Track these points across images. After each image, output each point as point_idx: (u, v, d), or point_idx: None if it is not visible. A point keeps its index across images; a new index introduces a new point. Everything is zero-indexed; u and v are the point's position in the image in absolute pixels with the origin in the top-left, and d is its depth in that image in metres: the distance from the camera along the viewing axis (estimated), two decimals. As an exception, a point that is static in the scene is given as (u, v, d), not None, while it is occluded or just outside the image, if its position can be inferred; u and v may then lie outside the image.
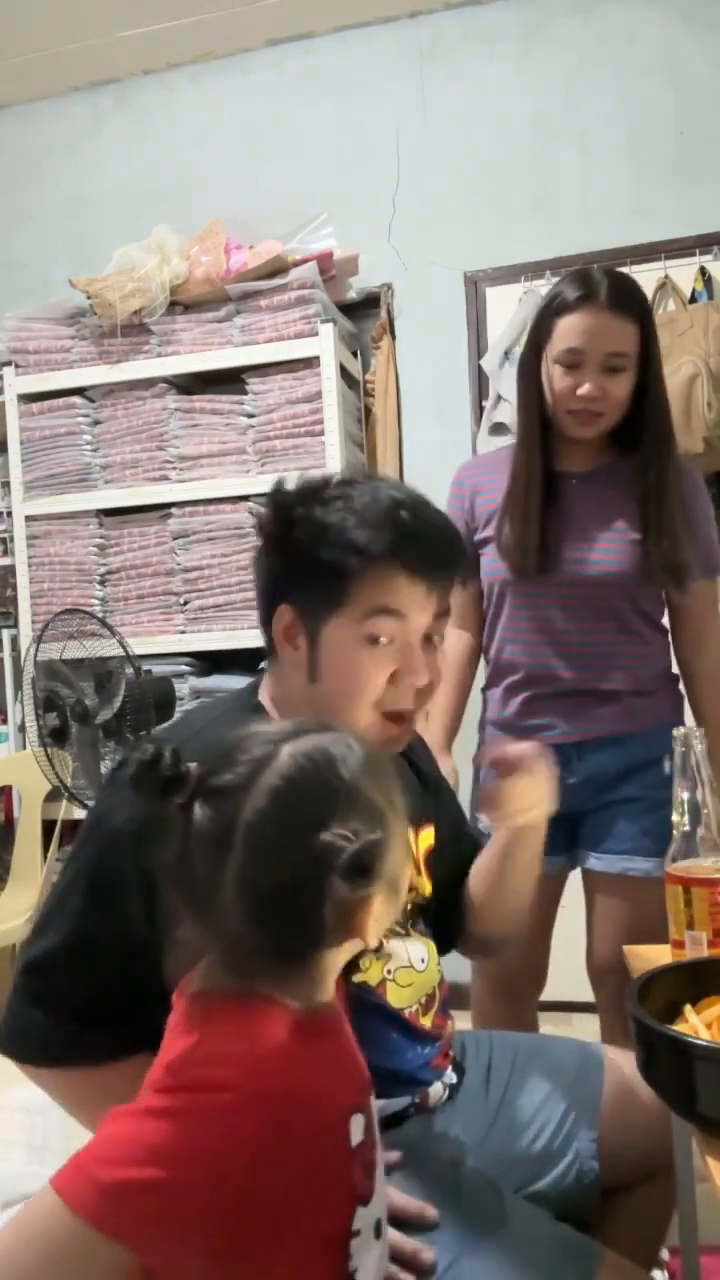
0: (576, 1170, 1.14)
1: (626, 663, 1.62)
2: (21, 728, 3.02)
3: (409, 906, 1.15)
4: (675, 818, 1.12)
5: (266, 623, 1.08)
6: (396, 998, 1.10)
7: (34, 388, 2.90)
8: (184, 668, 2.83)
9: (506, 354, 2.76)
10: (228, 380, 2.81)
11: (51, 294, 3.07)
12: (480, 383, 2.90)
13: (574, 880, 1.74)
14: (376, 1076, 1.05)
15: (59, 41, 3.03)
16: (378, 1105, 1.05)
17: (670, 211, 2.75)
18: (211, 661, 2.85)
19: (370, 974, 1.09)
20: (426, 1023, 1.13)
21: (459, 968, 1.52)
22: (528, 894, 1.23)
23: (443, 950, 1.22)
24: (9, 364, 2.93)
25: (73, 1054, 0.98)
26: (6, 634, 3.15)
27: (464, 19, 2.93)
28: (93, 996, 0.97)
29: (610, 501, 1.62)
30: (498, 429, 2.77)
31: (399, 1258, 0.90)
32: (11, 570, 2.98)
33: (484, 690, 1.77)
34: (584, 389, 1.55)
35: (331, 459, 2.66)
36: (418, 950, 1.15)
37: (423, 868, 1.18)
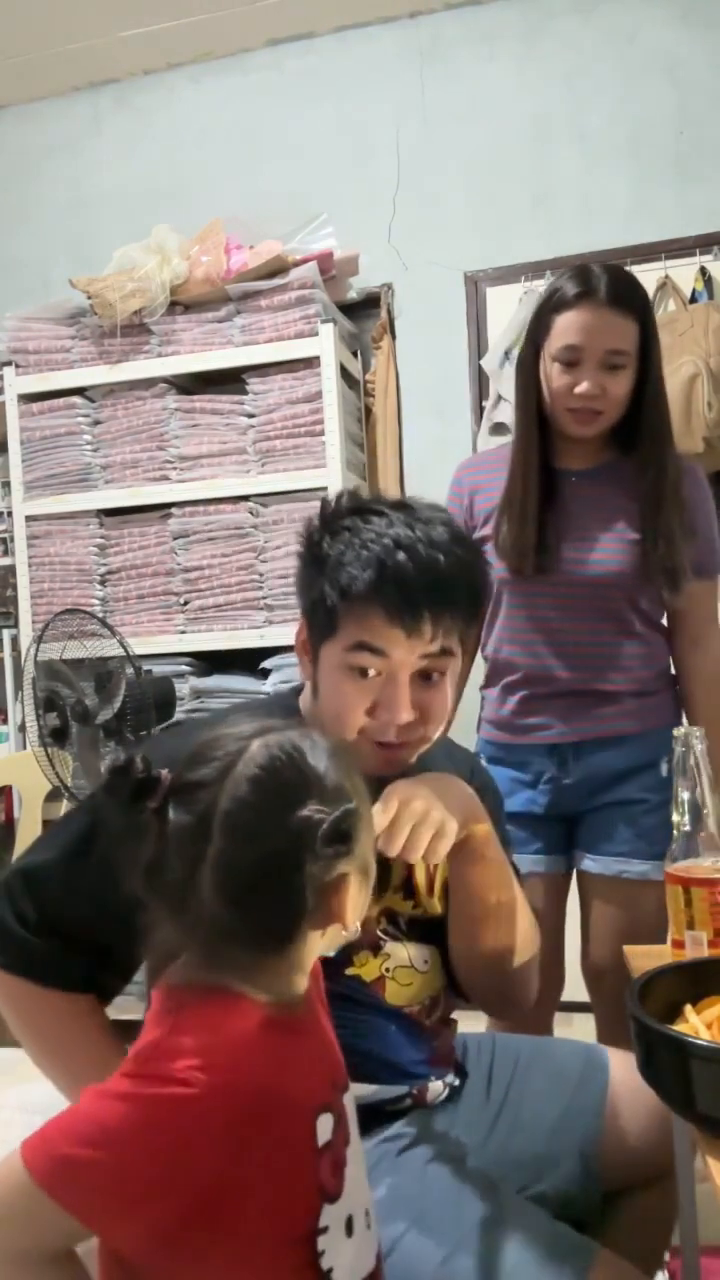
0: (578, 1172, 1.14)
1: (625, 663, 1.61)
2: (21, 728, 3.02)
3: (409, 916, 1.15)
4: (675, 817, 1.12)
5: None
6: (395, 995, 1.11)
7: (34, 388, 2.90)
8: (184, 668, 2.83)
9: (506, 354, 2.76)
10: (228, 380, 2.81)
11: (51, 294, 3.07)
12: (480, 383, 2.90)
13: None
14: (373, 1064, 1.06)
15: (59, 41, 3.03)
16: (372, 1090, 1.06)
17: (670, 211, 2.75)
18: (211, 661, 2.85)
19: (366, 970, 1.09)
20: (427, 1022, 1.14)
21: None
22: (499, 934, 1.13)
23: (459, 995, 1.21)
24: (9, 364, 2.93)
25: (29, 963, 1.03)
26: (6, 634, 3.14)
27: (464, 19, 2.93)
28: (68, 918, 1.02)
29: (609, 501, 1.61)
30: (498, 429, 2.77)
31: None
32: (11, 570, 2.98)
33: (481, 689, 1.77)
34: (583, 387, 1.53)
35: (331, 459, 2.65)
36: (421, 953, 1.15)
37: (437, 891, 1.16)
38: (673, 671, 1.70)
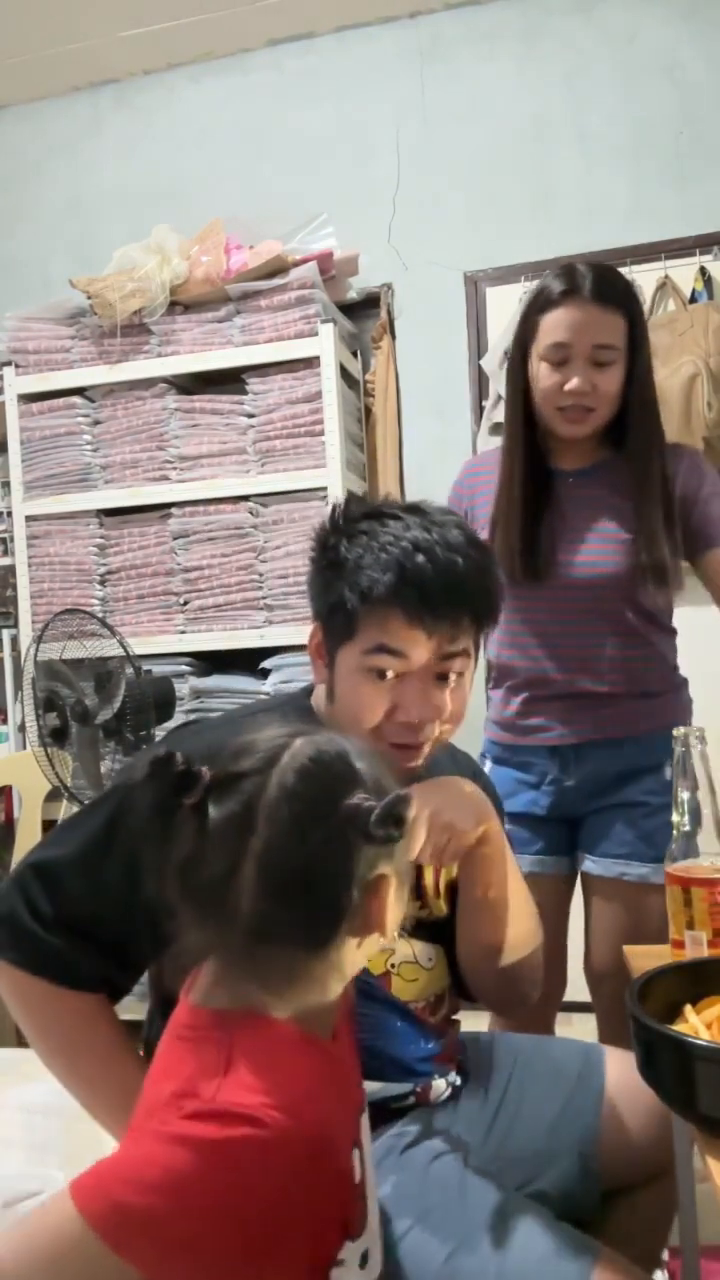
0: (577, 1171, 1.14)
1: (624, 665, 1.59)
2: (21, 728, 3.02)
3: (418, 919, 1.15)
4: (675, 817, 1.12)
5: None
6: (401, 991, 1.11)
7: (34, 388, 2.90)
8: (184, 668, 2.83)
9: (506, 354, 2.76)
10: (228, 380, 2.80)
11: (51, 294, 3.06)
12: (480, 383, 2.90)
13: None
14: (379, 1061, 1.06)
15: (59, 41, 3.03)
16: (377, 1088, 1.06)
17: (670, 211, 2.75)
18: (211, 661, 2.85)
19: (373, 965, 1.09)
20: (432, 1020, 1.14)
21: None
22: (502, 932, 1.15)
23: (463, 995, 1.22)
24: (9, 364, 2.93)
25: (42, 960, 1.01)
26: (6, 634, 3.14)
27: (464, 19, 2.93)
28: (85, 915, 1.00)
29: (603, 500, 1.59)
30: (498, 429, 2.76)
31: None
32: (11, 570, 2.98)
33: (488, 689, 1.76)
34: (573, 383, 1.51)
35: (331, 459, 2.65)
36: (426, 950, 1.15)
37: (443, 893, 1.17)
38: (682, 673, 1.67)
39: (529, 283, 2.80)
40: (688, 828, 1.11)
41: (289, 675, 2.65)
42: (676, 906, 1.09)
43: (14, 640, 3.07)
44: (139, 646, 2.70)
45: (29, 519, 2.92)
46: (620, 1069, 1.19)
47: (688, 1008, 0.91)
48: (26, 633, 2.89)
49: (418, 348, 2.98)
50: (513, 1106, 1.19)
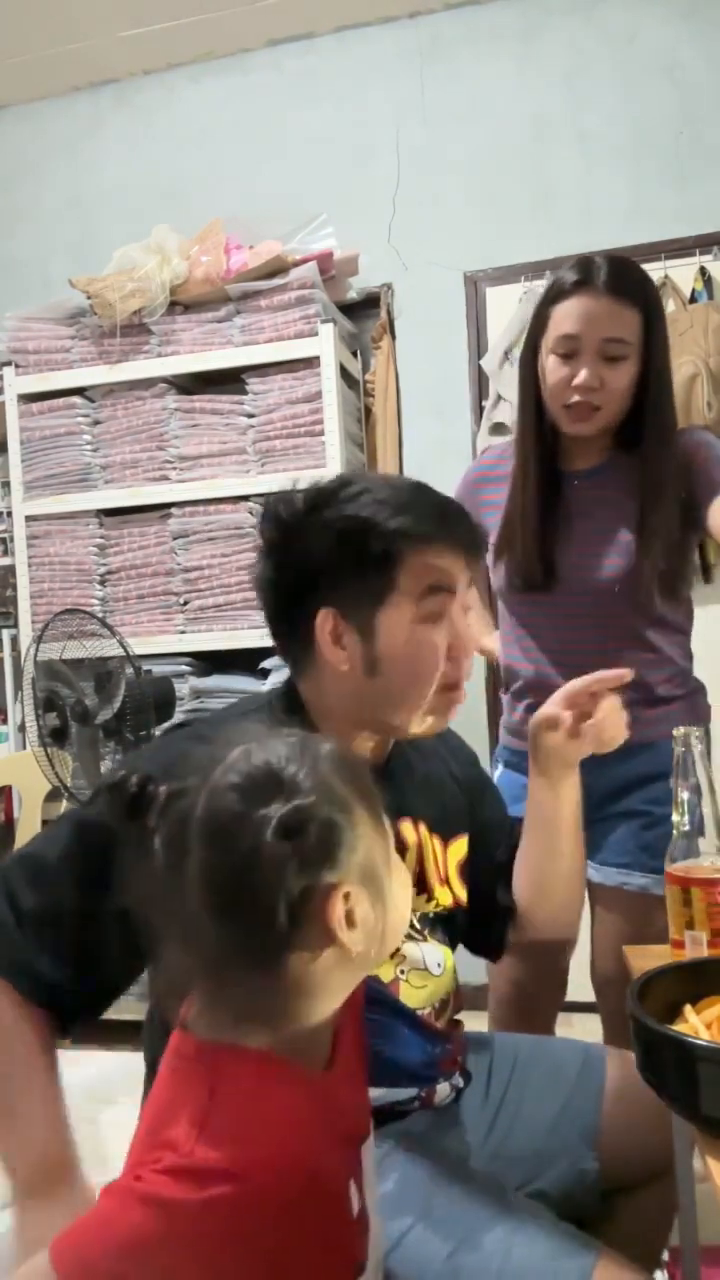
0: (577, 1170, 1.14)
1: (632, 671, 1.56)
2: (21, 728, 3.02)
3: (429, 914, 1.15)
4: (675, 817, 1.12)
5: (286, 634, 1.08)
6: (408, 998, 1.10)
7: (34, 388, 2.90)
8: (184, 668, 2.83)
9: (506, 354, 2.76)
10: (228, 380, 2.81)
11: (51, 294, 3.06)
12: (480, 383, 2.90)
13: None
14: (386, 1068, 1.05)
15: (59, 41, 3.03)
16: (382, 1093, 1.06)
17: (670, 211, 2.75)
18: (211, 661, 2.85)
19: (382, 972, 1.09)
20: (439, 1024, 1.13)
21: (476, 970, 1.51)
22: (579, 864, 1.22)
23: (489, 955, 1.24)
24: (9, 364, 2.93)
25: (11, 968, 0.94)
26: (6, 634, 3.15)
27: (464, 19, 2.93)
28: (56, 913, 0.94)
29: (610, 502, 1.55)
30: (498, 429, 2.77)
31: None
32: (11, 570, 2.98)
33: (502, 692, 1.75)
34: (580, 377, 1.45)
35: (331, 459, 2.65)
36: (434, 955, 1.14)
37: (453, 879, 1.16)
38: (694, 677, 1.63)
39: (529, 283, 2.81)
40: (688, 828, 1.11)
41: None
42: (676, 906, 1.09)
43: (14, 640, 3.07)
44: (139, 646, 2.70)
45: (29, 519, 2.92)
46: (620, 1069, 1.19)
47: (688, 1008, 0.91)
48: (26, 633, 2.89)
49: (418, 348, 2.98)
50: (513, 1106, 1.19)
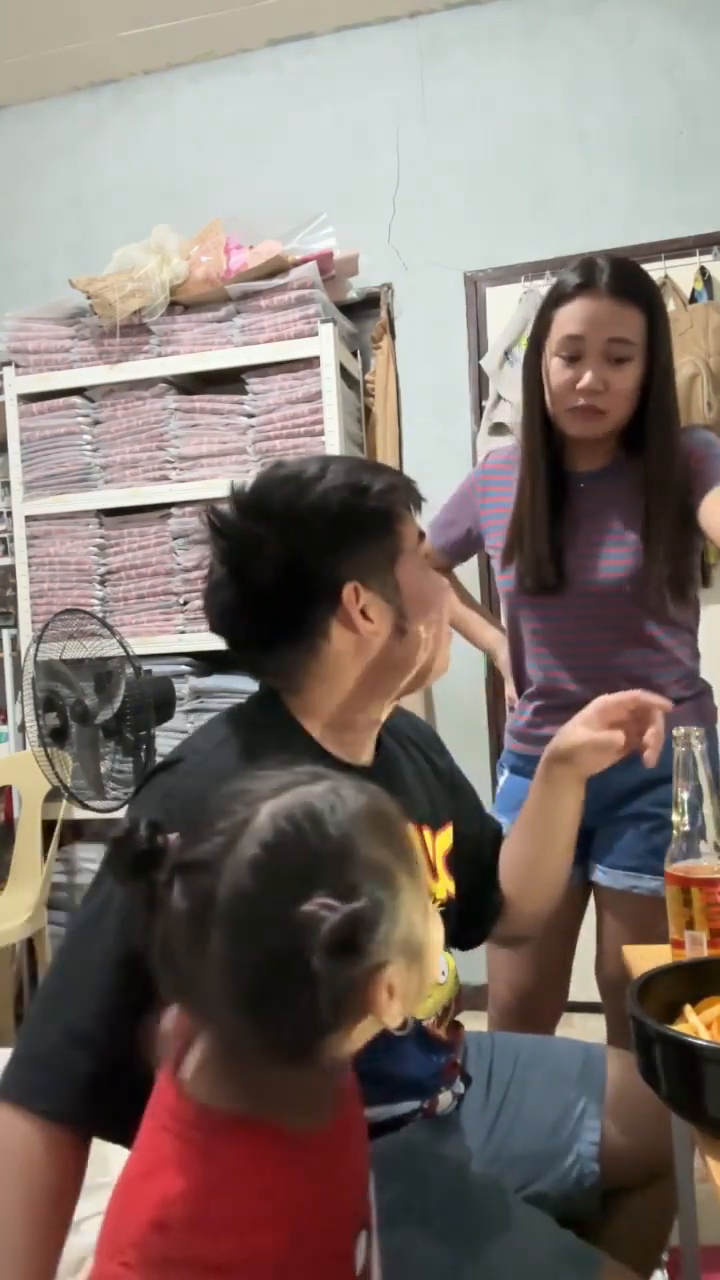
0: (577, 1172, 1.14)
1: (638, 673, 1.51)
2: (21, 728, 3.02)
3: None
4: (675, 817, 1.11)
5: (287, 642, 1.02)
6: (418, 1010, 1.10)
7: (34, 388, 2.90)
8: (184, 668, 2.82)
9: (506, 354, 2.76)
10: (228, 380, 2.80)
11: (51, 294, 3.06)
12: (480, 383, 2.90)
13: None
14: (388, 1083, 1.04)
15: (59, 41, 3.03)
16: (383, 1109, 1.05)
17: (670, 211, 2.75)
18: (211, 661, 2.85)
19: None
20: (442, 1033, 1.13)
21: (476, 970, 1.51)
22: (569, 862, 1.25)
23: (465, 947, 1.23)
24: (9, 364, 2.93)
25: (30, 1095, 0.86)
26: (6, 634, 3.14)
27: (464, 19, 2.93)
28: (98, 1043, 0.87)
29: (615, 503, 1.54)
30: (498, 429, 2.77)
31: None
32: (11, 570, 2.98)
33: (510, 698, 1.74)
34: (585, 380, 1.45)
35: (331, 459, 2.65)
36: (440, 962, 1.14)
37: (441, 870, 1.16)
38: (701, 679, 1.62)
39: (529, 283, 2.81)
40: (688, 828, 1.11)
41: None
42: (676, 907, 1.09)
43: (14, 640, 3.07)
44: (139, 646, 2.70)
45: (29, 519, 2.92)
46: (621, 1069, 1.20)
47: (688, 1008, 0.91)
48: (26, 633, 2.89)
49: (418, 348, 2.98)
50: (513, 1107, 1.18)
